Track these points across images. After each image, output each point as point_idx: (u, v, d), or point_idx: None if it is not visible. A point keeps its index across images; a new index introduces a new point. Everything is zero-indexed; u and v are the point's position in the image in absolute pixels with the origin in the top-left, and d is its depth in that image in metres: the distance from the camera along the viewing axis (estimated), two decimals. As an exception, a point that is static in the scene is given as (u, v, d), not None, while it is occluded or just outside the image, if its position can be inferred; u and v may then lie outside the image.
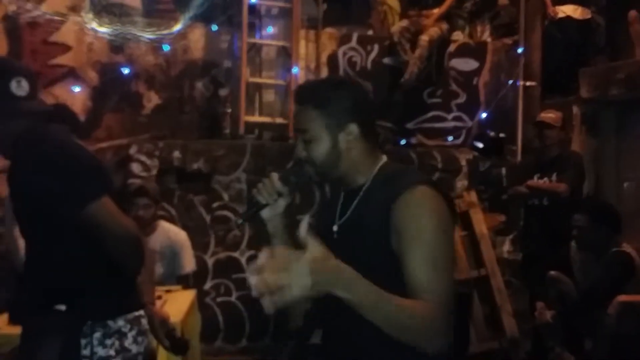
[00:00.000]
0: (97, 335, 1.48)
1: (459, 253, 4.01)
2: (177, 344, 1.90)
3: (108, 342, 1.49)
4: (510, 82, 4.64)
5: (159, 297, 2.50)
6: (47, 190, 1.45)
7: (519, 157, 4.49)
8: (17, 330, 2.02)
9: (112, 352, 1.50)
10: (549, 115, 3.74)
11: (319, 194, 3.84)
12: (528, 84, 4.55)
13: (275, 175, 1.27)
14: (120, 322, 1.52)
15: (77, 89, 4.48)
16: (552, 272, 3.31)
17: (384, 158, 1.29)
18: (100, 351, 1.48)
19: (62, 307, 1.48)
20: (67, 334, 1.46)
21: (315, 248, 0.98)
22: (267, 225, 1.28)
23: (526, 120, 4.46)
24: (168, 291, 2.66)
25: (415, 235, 1.12)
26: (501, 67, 4.81)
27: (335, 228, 1.27)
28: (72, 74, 4.48)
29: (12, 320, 2.11)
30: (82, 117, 4.49)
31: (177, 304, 2.48)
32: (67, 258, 1.50)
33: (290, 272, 0.95)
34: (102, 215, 1.46)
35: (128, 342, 1.52)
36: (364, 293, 1.02)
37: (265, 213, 1.27)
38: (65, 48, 4.48)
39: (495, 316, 3.94)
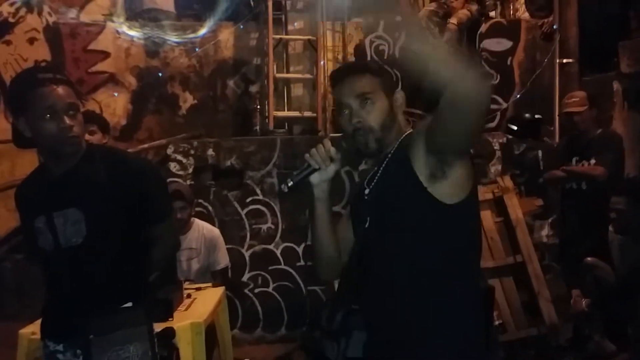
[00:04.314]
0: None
1: (493, 239, 3.95)
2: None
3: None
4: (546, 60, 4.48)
5: (189, 296, 2.62)
6: (136, 202, 1.68)
7: (557, 139, 4.34)
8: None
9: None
10: (573, 101, 3.55)
11: (349, 184, 3.90)
12: (565, 61, 4.38)
13: (328, 141, 1.35)
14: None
15: (117, 94, 4.71)
16: (589, 259, 3.21)
17: (410, 129, 1.43)
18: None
19: (129, 304, 1.66)
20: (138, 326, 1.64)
21: None
22: (313, 189, 1.36)
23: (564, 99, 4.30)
24: (198, 289, 2.76)
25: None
26: (536, 45, 4.64)
27: (366, 192, 1.40)
28: (112, 80, 4.71)
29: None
30: (123, 121, 4.74)
31: (205, 302, 2.57)
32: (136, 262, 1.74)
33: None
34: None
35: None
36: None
37: (314, 177, 1.34)
38: (104, 55, 4.71)
39: (533, 303, 3.87)
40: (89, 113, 3.29)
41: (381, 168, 1.38)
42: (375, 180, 1.39)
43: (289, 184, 1.31)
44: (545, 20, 4.64)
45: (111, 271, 1.67)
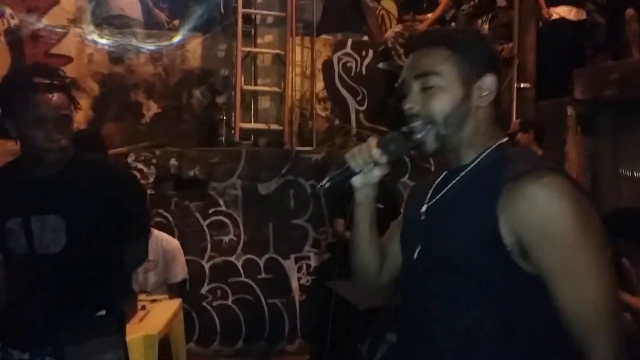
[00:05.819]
0: None
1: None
2: None
3: None
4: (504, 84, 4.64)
5: (143, 307, 2.53)
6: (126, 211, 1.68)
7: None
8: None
9: None
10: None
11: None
12: (522, 85, 4.55)
13: (373, 141, 1.09)
14: None
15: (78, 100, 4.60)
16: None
17: (504, 138, 1.05)
18: None
19: (103, 312, 1.63)
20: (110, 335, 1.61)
21: None
22: (355, 192, 1.13)
23: (521, 122, 4.46)
24: (153, 301, 2.66)
25: (550, 243, 0.88)
26: (496, 69, 4.81)
27: (423, 209, 1.09)
28: (73, 85, 4.59)
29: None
30: (83, 127, 4.63)
31: (160, 314, 2.49)
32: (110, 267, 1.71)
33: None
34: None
35: None
36: None
37: (356, 180, 1.11)
38: (66, 60, 4.60)
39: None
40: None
41: (451, 184, 1.04)
42: (438, 198, 1.06)
43: (326, 185, 1.09)
44: (505, 46, 4.82)
45: (84, 280, 1.62)
